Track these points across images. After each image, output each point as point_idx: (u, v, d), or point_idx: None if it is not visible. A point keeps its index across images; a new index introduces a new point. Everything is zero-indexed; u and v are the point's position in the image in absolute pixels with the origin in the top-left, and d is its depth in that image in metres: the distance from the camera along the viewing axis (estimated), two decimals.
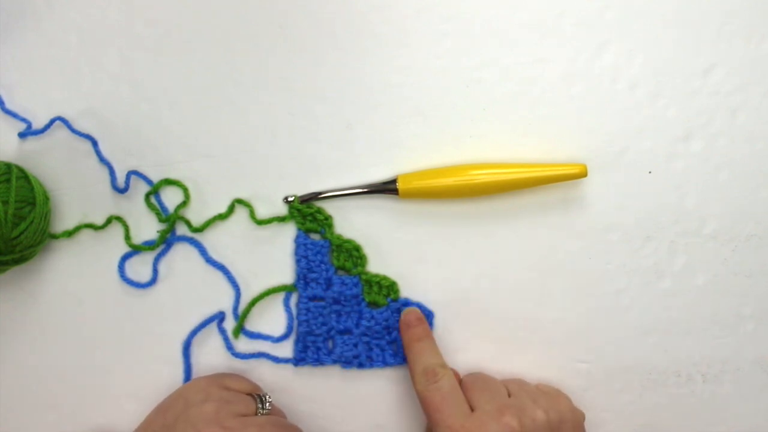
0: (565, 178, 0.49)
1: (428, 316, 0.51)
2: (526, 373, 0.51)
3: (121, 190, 0.51)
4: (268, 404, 0.47)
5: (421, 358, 0.48)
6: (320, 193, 0.50)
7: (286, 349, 0.51)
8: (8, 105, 0.51)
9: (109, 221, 0.51)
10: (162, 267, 0.51)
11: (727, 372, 0.52)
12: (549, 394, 0.48)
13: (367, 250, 0.51)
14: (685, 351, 0.52)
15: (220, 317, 0.51)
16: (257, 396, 0.48)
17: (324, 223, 0.50)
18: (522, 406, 0.45)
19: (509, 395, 0.47)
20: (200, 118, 0.51)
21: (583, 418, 0.48)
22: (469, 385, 0.47)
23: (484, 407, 0.45)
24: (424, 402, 0.46)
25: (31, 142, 0.51)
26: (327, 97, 0.51)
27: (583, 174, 0.49)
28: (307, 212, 0.50)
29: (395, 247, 0.51)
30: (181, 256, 0.51)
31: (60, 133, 0.51)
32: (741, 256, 0.52)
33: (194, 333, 0.51)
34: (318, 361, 0.50)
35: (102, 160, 0.51)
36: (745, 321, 0.52)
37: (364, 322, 0.50)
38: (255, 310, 0.51)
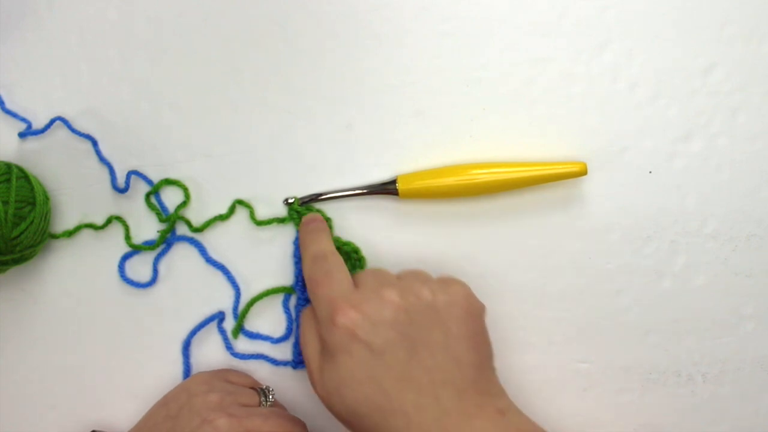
0: (566, 177, 0.49)
1: None
2: (526, 373, 0.51)
3: (121, 190, 0.51)
4: (271, 397, 0.47)
5: (312, 246, 0.47)
6: (320, 195, 0.50)
7: (287, 350, 0.51)
8: (8, 105, 0.51)
9: (109, 221, 0.51)
10: (162, 267, 0.51)
11: (727, 372, 0.52)
12: (444, 280, 0.45)
13: (367, 250, 0.51)
14: (685, 351, 0.52)
15: (220, 317, 0.51)
16: (260, 389, 0.48)
17: None
18: (408, 284, 0.44)
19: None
20: (200, 118, 0.51)
21: (483, 310, 0.45)
22: (359, 274, 0.45)
23: (368, 284, 0.44)
24: (309, 282, 0.45)
25: (31, 142, 0.51)
26: (327, 97, 0.51)
27: (583, 172, 0.49)
28: (306, 214, 0.50)
29: (395, 248, 0.51)
30: (181, 256, 0.51)
31: (60, 133, 0.51)
32: (741, 256, 0.52)
33: (194, 333, 0.51)
34: None
35: (102, 160, 0.51)
36: (745, 321, 0.52)
37: None
38: (255, 310, 0.51)
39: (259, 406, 0.47)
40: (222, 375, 0.49)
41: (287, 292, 0.51)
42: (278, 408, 0.48)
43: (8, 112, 0.50)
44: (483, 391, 0.42)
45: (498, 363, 0.51)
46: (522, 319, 0.51)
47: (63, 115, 0.51)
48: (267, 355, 0.51)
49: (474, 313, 0.44)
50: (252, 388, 0.48)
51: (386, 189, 0.50)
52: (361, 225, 0.51)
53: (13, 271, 0.50)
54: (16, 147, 0.51)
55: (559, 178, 0.49)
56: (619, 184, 0.51)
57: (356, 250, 0.50)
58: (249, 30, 0.51)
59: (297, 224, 0.51)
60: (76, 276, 0.51)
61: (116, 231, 0.51)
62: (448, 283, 0.44)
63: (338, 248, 0.50)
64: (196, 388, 0.47)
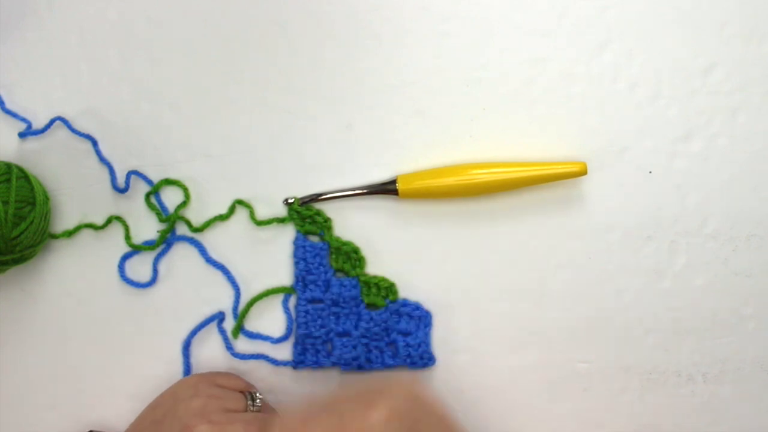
0: (565, 176, 0.49)
1: (427, 316, 0.50)
2: (526, 373, 0.51)
3: (121, 190, 0.51)
4: (258, 401, 0.47)
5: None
6: (320, 195, 0.50)
7: (286, 351, 0.51)
8: (8, 105, 0.51)
9: (109, 221, 0.51)
10: (162, 267, 0.51)
11: (727, 372, 0.52)
12: (389, 385, 0.42)
13: (367, 250, 0.51)
14: (685, 351, 0.52)
15: (219, 317, 0.51)
16: (248, 393, 0.48)
17: (323, 225, 0.50)
18: (387, 402, 0.39)
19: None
20: (200, 118, 0.51)
21: (443, 404, 0.42)
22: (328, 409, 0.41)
23: (345, 414, 0.39)
24: None
25: (31, 142, 0.51)
26: (327, 97, 0.51)
27: (583, 172, 0.49)
28: (306, 214, 0.50)
29: (395, 248, 0.51)
30: (181, 256, 0.51)
31: (60, 133, 0.51)
32: (741, 256, 0.52)
33: (194, 333, 0.51)
34: (317, 364, 0.50)
35: (102, 160, 0.51)
36: (745, 321, 0.52)
37: (362, 324, 0.50)
38: (255, 310, 0.51)
39: (246, 410, 0.47)
40: (211, 379, 0.48)
41: (287, 292, 0.51)
42: (266, 411, 0.48)
43: (8, 112, 0.50)
44: None
45: (498, 363, 0.51)
46: (522, 319, 0.51)
47: (63, 115, 0.51)
48: (267, 355, 0.51)
49: (435, 409, 0.41)
50: (242, 391, 0.48)
51: (386, 189, 0.50)
52: (361, 224, 0.51)
53: (13, 271, 0.50)
54: (16, 147, 0.51)
55: (559, 178, 0.49)
56: (619, 184, 0.51)
57: (356, 250, 0.50)
58: (249, 30, 0.51)
59: (297, 224, 0.51)
60: (76, 276, 0.51)
61: (116, 231, 0.51)
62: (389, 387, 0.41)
63: (338, 248, 0.50)
64: (183, 392, 0.47)
